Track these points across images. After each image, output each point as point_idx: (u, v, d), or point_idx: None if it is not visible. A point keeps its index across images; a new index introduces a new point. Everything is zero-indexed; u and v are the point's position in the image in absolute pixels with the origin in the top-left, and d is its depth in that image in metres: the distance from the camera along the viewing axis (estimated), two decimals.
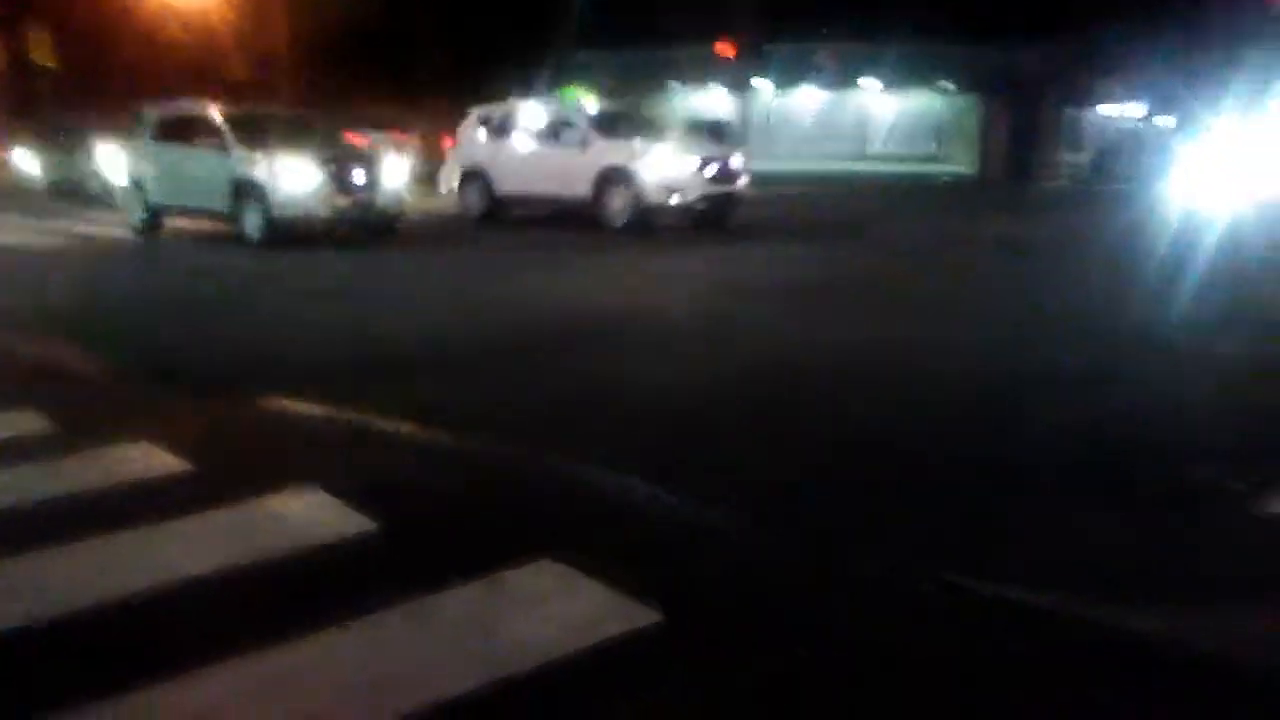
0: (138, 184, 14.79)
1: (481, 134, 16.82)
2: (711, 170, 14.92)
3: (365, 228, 13.82)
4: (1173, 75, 30.55)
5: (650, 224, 14.65)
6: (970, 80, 34.32)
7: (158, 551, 3.63)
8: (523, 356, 7.04)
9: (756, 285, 10.36)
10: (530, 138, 16.09)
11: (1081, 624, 3.14)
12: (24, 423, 5.20)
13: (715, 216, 15.26)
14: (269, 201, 12.98)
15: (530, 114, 16.42)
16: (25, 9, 28.26)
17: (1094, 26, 29.46)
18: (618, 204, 14.79)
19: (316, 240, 13.22)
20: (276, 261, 12.07)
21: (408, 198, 14.69)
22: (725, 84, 34.56)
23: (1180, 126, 30.84)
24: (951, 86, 35.53)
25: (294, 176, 12.97)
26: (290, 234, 13.07)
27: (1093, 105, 35.65)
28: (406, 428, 5.20)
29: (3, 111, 26.15)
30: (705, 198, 14.90)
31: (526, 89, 20.92)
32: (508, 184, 16.19)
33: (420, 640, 3.01)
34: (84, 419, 5.33)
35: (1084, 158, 34.37)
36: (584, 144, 15.17)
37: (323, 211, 13.24)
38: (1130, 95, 35.45)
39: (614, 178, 14.78)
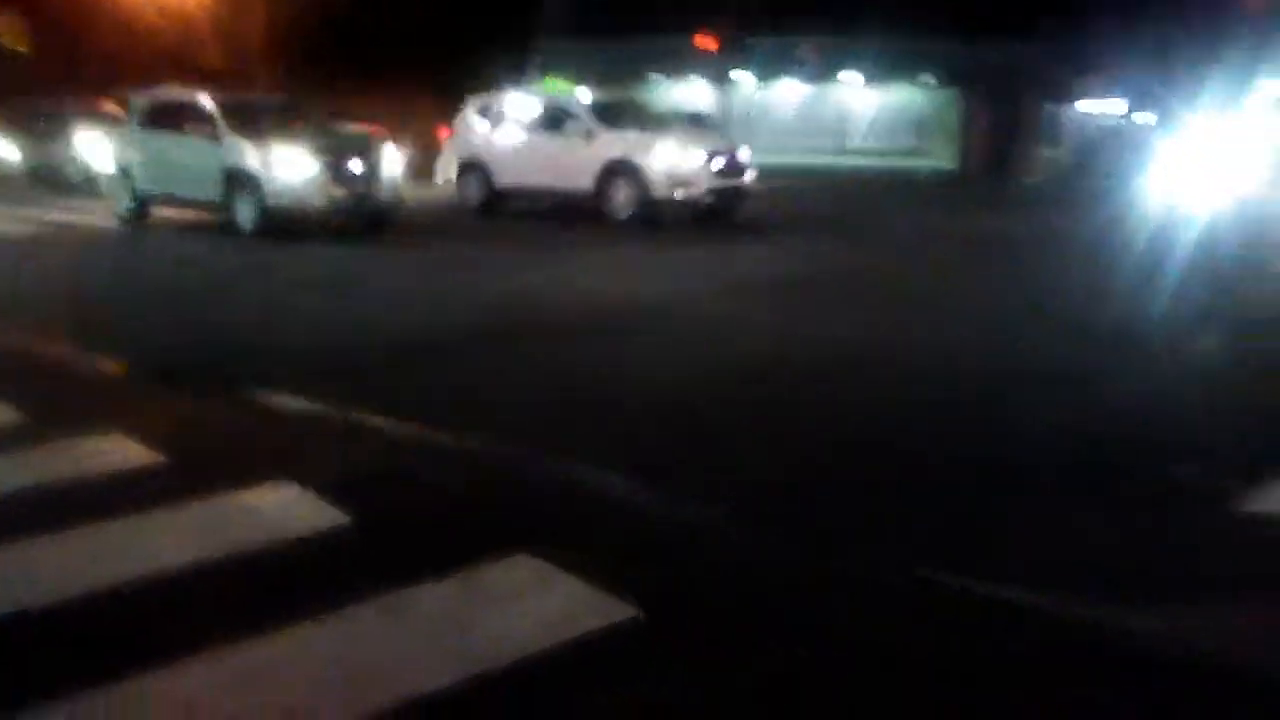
0: (125, 172, 14.44)
1: (480, 124, 16.32)
2: (719, 163, 14.61)
3: (361, 219, 13.45)
4: (1152, 72, 30.76)
5: (656, 218, 14.29)
6: (951, 75, 34.40)
7: (128, 545, 3.59)
8: (520, 352, 6.96)
9: (756, 281, 10.18)
10: (531, 129, 15.66)
11: (1080, 623, 3.14)
12: None
13: (723, 210, 14.92)
14: (263, 191, 12.67)
15: (531, 104, 16.03)
16: None
17: (1075, 23, 29.63)
18: (622, 197, 14.44)
19: (311, 231, 12.87)
20: (267, 252, 11.88)
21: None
22: (707, 76, 34.52)
23: (1159, 124, 31.05)
24: (932, 81, 35.63)
25: (289, 165, 12.65)
26: (284, 224, 12.76)
27: (1073, 101, 35.82)
28: (385, 421, 5.16)
29: None
30: (713, 191, 14.57)
31: (504, 80, 20.66)
32: (508, 176, 15.77)
33: (395, 635, 2.98)
34: (56, 410, 5.27)
35: (1063, 154, 34.54)
36: (588, 135, 14.78)
37: (318, 202, 12.85)
38: (1110, 92, 35.66)
39: (619, 170, 14.42)
